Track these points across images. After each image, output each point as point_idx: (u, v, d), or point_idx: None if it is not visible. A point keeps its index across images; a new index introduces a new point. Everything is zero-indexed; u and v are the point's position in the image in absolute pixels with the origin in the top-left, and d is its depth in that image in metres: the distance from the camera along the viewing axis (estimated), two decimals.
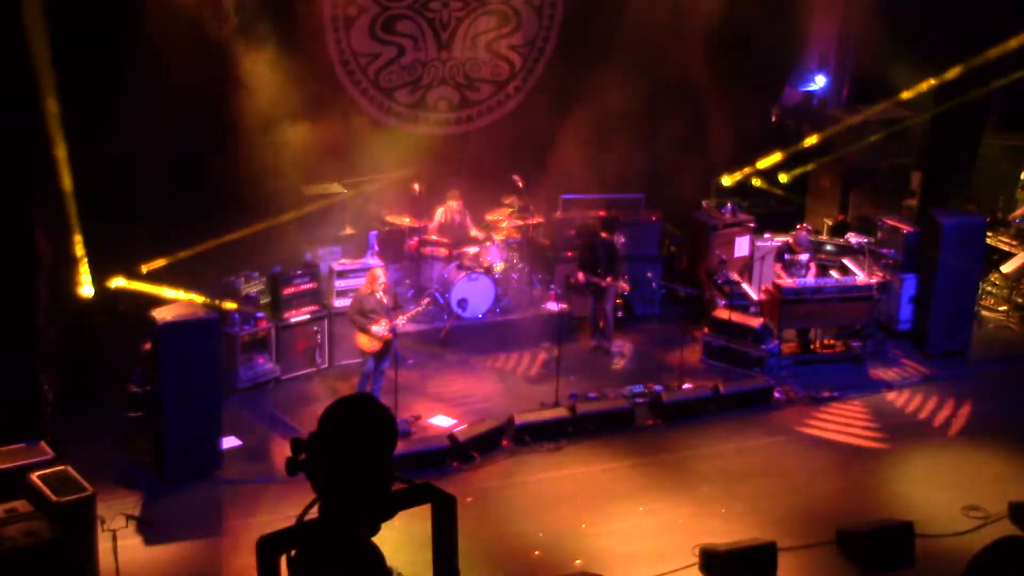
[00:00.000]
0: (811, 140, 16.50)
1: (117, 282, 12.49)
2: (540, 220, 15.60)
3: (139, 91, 13.01)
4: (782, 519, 11.03)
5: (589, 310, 14.52)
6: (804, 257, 14.46)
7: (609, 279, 14.11)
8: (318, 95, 14.50)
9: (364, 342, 12.49)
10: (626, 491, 11.59)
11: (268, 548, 4.61)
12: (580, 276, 14.26)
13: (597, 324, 14.46)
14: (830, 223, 16.81)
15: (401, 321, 12.58)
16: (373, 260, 14.26)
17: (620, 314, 14.81)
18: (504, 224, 15.33)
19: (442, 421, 12.76)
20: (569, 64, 16.08)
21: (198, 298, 12.60)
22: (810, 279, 14.26)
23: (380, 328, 12.35)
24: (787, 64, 17.38)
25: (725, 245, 15.31)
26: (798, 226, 14.93)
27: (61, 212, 12.05)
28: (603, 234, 14.27)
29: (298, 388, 13.51)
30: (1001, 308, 15.73)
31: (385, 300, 12.49)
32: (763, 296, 14.65)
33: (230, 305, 13.08)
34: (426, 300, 13.43)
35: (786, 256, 14.50)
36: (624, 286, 14.38)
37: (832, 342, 14.55)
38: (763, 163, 16.12)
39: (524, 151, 15.62)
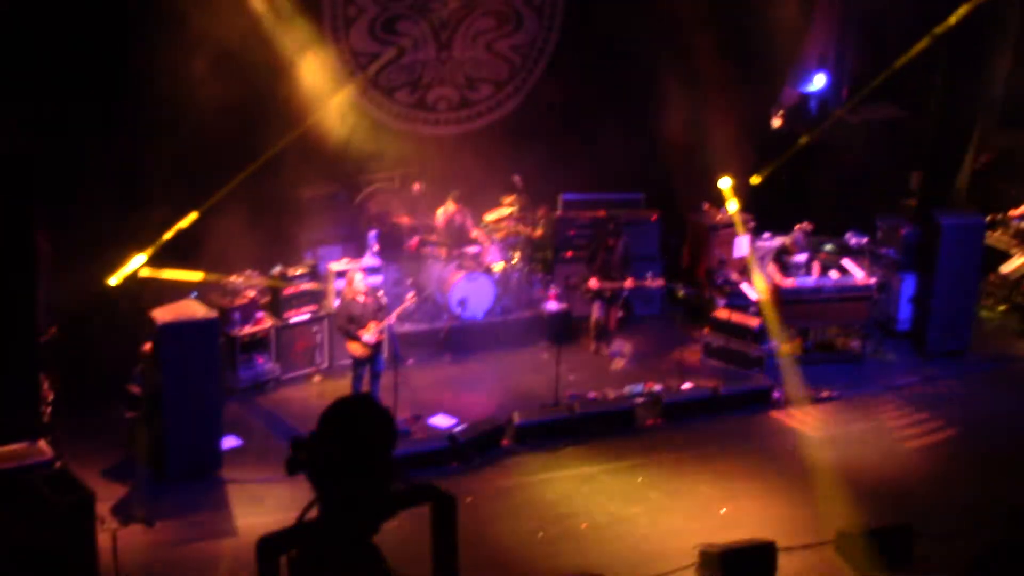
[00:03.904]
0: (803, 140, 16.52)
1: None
2: (540, 220, 15.58)
3: (138, 92, 13.06)
4: (782, 519, 11.04)
5: (596, 316, 14.25)
6: (801, 258, 14.44)
7: (630, 280, 14.01)
8: (317, 96, 14.48)
9: (355, 348, 12.50)
10: (626, 491, 11.59)
11: (268, 548, 4.61)
12: (594, 282, 14.08)
13: (605, 329, 14.32)
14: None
15: (390, 320, 12.58)
16: (373, 260, 14.26)
17: (620, 314, 14.79)
18: (504, 224, 15.32)
19: (442, 421, 12.76)
20: (569, 64, 16.08)
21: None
22: (811, 279, 14.25)
23: (369, 335, 12.36)
24: (787, 64, 17.37)
25: (725, 245, 15.31)
26: (796, 226, 14.91)
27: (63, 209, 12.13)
28: (610, 241, 14.10)
29: (298, 388, 13.51)
30: (1000, 308, 15.72)
31: (369, 302, 12.51)
32: (763, 296, 14.64)
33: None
34: (410, 295, 13.36)
35: (783, 257, 14.49)
36: (658, 281, 14.29)
37: (831, 342, 14.56)
38: (754, 179, 16.08)
39: (524, 151, 15.61)
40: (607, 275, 14.04)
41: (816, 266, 14.47)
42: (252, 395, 13.24)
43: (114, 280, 12.61)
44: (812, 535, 10.65)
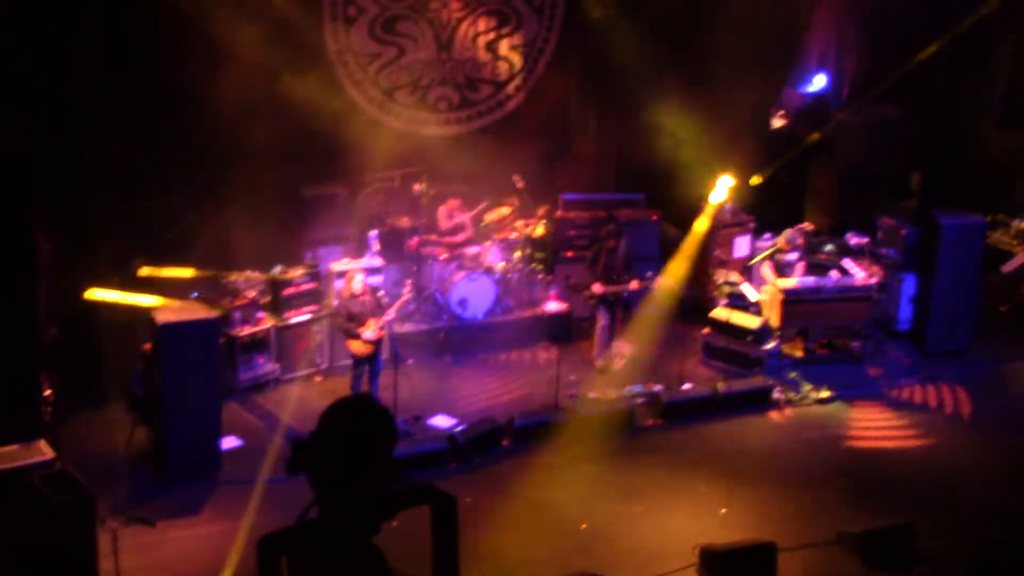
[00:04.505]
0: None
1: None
2: (540, 220, 15.58)
3: (138, 92, 13.07)
4: (782, 519, 11.04)
5: (602, 323, 13.92)
6: (792, 256, 14.43)
7: (636, 282, 13.94)
8: (317, 95, 14.49)
9: (356, 346, 12.50)
10: (626, 491, 11.59)
11: (268, 548, 4.61)
12: (598, 287, 13.86)
13: (612, 337, 14.09)
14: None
15: (390, 316, 12.58)
16: (373, 260, 14.26)
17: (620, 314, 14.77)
18: (504, 224, 15.31)
19: (442, 421, 12.76)
20: (569, 64, 16.08)
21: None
22: (808, 279, 14.24)
23: (370, 332, 12.36)
24: (787, 64, 17.37)
25: (725, 245, 15.30)
26: (797, 226, 14.92)
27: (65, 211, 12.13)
28: (611, 242, 13.91)
29: (298, 388, 13.51)
30: (1001, 308, 15.70)
31: (367, 300, 12.51)
32: (763, 296, 14.64)
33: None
34: (407, 289, 13.32)
35: (776, 257, 14.48)
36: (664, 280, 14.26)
37: (831, 342, 14.56)
38: (754, 179, 16.11)
39: (524, 151, 15.61)
40: (611, 278, 13.91)
41: (800, 267, 14.41)
42: (252, 395, 13.24)
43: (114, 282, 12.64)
44: (812, 535, 10.64)
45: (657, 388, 13.37)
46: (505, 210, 15.40)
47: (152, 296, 12.30)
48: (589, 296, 13.96)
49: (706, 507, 11.30)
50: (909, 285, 14.83)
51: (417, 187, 15.20)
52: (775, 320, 14.12)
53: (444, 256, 14.72)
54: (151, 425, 11.76)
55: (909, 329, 14.86)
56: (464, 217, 15.11)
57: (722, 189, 14.98)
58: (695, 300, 15.30)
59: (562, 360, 13.33)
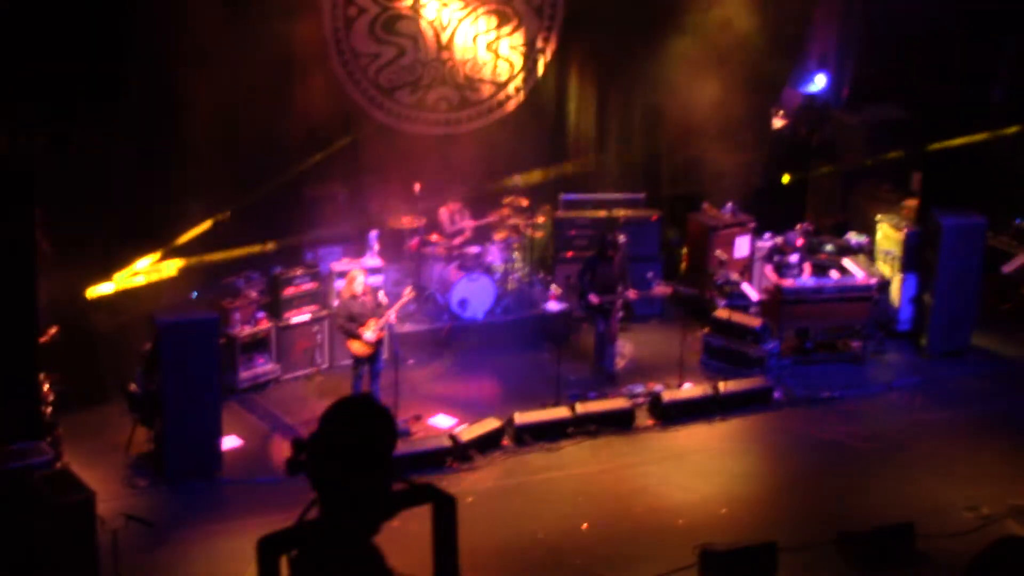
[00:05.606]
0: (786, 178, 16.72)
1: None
2: (540, 220, 15.58)
3: (140, 93, 13.08)
4: (782, 519, 11.04)
5: (599, 330, 13.85)
6: (794, 258, 14.41)
7: (632, 291, 13.85)
8: (317, 96, 14.48)
9: (356, 346, 12.50)
10: (626, 491, 11.59)
11: (268, 548, 4.60)
12: (594, 298, 13.72)
13: (609, 345, 14.05)
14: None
15: (391, 316, 12.57)
16: (373, 260, 14.26)
17: (620, 314, 14.74)
18: (504, 224, 15.30)
19: (442, 421, 12.76)
20: (568, 64, 16.08)
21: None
22: (809, 279, 14.24)
23: (370, 332, 12.35)
24: (787, 64, 17.37)
25: (725, 245, 15.30)
26: (798, 226, 14.91)
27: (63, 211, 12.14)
28: (610, 251, 13.82)
29: (298, 388, 13.51)
30: (1003, 307, 15.70)
31: (368, 300, 12.51)
32: (763, 296, 14.64)
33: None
34: (408, 290, 13.33)
35: (776, 257, 14.48)
36: (667, 289, 14.24)
37: (831, 342, 14.56)
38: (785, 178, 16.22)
39: (524, 151, 15.61)
40: (609, 287, 13.89)
41: (807, 267, 14.43)
42: (252, 395, 13.24)
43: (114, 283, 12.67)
44: (812, 535, 10.64)
45: (657, 388, 13.37)
46: (505, 211, 15.39)
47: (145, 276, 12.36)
48: (586, 305, 13.94)
49: (706, 507, 11.30)
50: (909, 285, 14.83)
51: (417, 187, 15.20)
52: (773, 320, 14.10)
53: (444, 255, 14.72)
54: (151, 425, 11.76)
55: (909, 329, 14.86)
56: (464, 219, 15.10)
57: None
58: (695, 300, 15.30)
59: (562, 360, 13.33)
